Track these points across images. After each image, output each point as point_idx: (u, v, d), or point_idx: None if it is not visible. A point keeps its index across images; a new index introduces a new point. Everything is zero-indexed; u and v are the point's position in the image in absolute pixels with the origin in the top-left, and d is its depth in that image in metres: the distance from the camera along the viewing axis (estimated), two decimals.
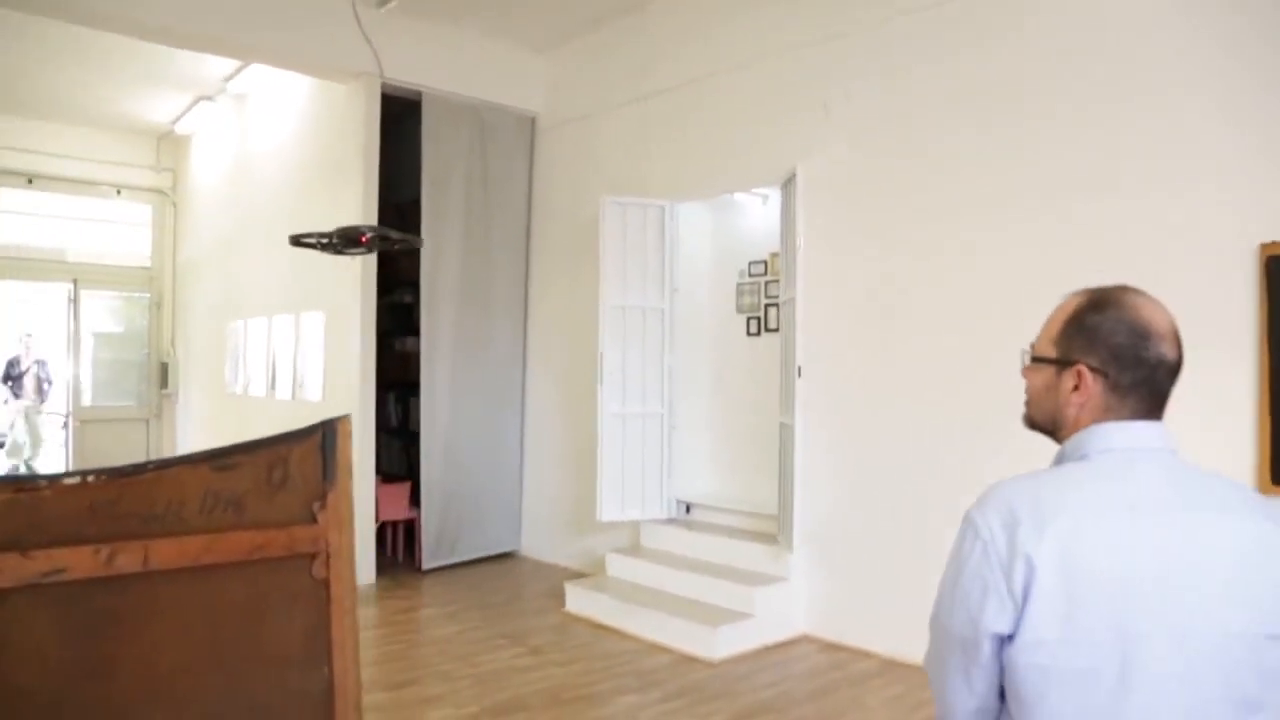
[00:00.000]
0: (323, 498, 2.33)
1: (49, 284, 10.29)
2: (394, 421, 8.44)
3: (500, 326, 7.51)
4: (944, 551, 1.36)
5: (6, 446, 10.69)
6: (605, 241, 6.25)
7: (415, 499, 7.24)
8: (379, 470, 8.50)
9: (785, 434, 5.40)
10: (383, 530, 7.56)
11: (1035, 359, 1.43)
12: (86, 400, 10.57)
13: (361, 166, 6.74)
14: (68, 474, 2.06)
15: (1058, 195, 4.33)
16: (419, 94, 6.98)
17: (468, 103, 7.22)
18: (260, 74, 8.19)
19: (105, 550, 2.04)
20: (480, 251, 7.35)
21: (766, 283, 6.30)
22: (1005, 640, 1.24)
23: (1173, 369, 1.33)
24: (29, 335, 10.89)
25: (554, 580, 6.46)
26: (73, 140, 9.87)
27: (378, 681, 4.66)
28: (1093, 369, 1.33)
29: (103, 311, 11.09)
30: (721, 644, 4.97)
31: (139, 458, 10.63)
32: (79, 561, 2.01)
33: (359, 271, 6.76)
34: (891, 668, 4.83)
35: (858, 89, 5.16)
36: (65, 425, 10.50)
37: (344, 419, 2.40)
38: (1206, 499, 1.27)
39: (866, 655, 5.01)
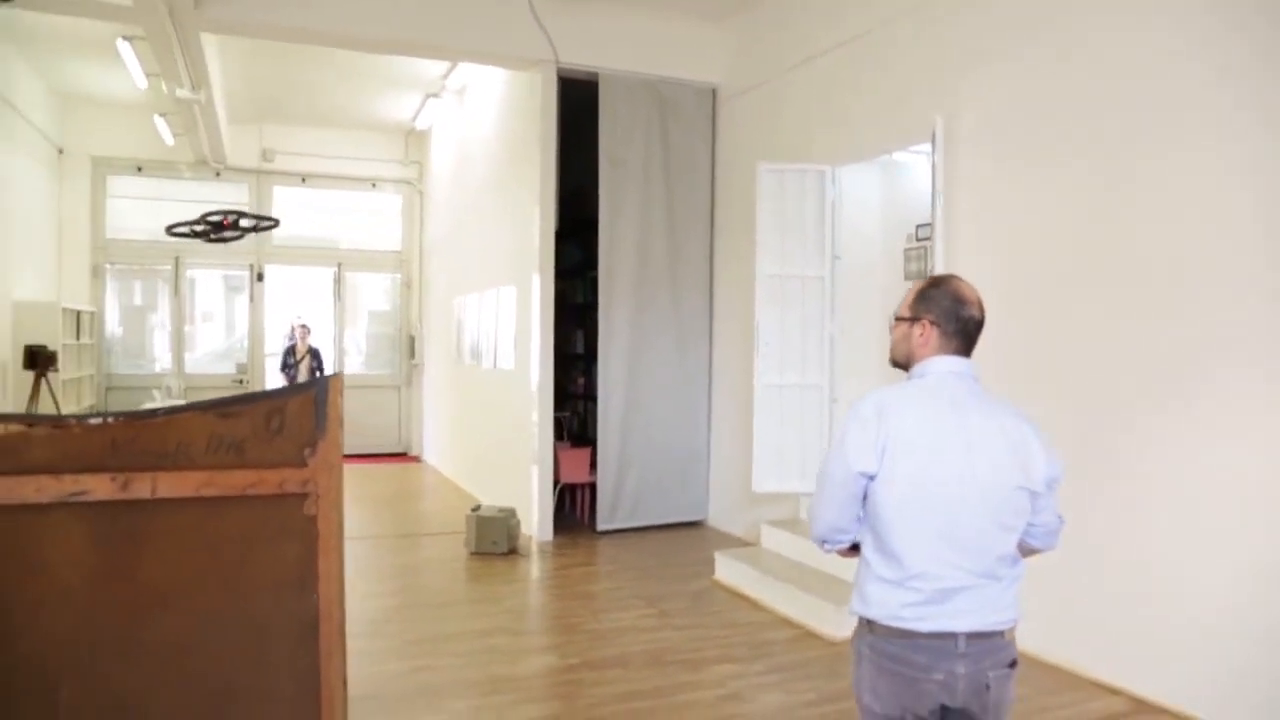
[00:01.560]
0: (313, 445, 2.59)
1: (319, 268, 11.85)
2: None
3: (685, 299, 7.61)
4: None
5: None
6: (761, 210, 6.15)
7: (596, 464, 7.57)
8: (581, 436, 9.02)
9: None
10: (573, 493, 8.01)
11: (899, 319, 2.19)
12: (353, 369, 12.04)
13: (539, 150, 7.12)
14: (92, 415, 2.47)
15: (1231, 150, 3.68)
16: (596, 75, 7.23)
17: (645, 80, 7.37)
18: (469, 70, 8.87)
19: (120, 478, 2.43)
20: (661, 226, 7.49)
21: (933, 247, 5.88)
22: (869, 479, 2.02)
23: (979, 324, 2.14)
24: (305, 326, 11.48)
25: (722, 550, 6.51)
26: (336, 142, 11.26)
27: (504, 627, 5.01)
28: (932, 322, 2.12)
29: (376, 291, 12.57)
30: (845, 622, 4.77)
31: (392, 421, 12.01)
32: (99, 486, 2.41)
33: (537, 247, 7.17)
34: (1034, 668, 4.39)
35: (1009, 36, 4.67)
36: None
37: (335, 377, 2.65)
38: (989, 406, 2.08)
39: None
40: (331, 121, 11.01)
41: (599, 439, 7.41)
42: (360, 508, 8.84)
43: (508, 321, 8.05)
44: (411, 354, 12.01)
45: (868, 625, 2.07)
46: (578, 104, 7.28)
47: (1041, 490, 2.04)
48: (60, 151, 10.08)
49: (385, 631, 4.93)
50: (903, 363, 2.19)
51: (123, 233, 10.74)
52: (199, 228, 5.72)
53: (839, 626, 4.77)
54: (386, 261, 12.11)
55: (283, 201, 11.44)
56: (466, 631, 4.90)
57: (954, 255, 4.92)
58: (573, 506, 8.06)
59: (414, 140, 11.69)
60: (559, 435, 8.57)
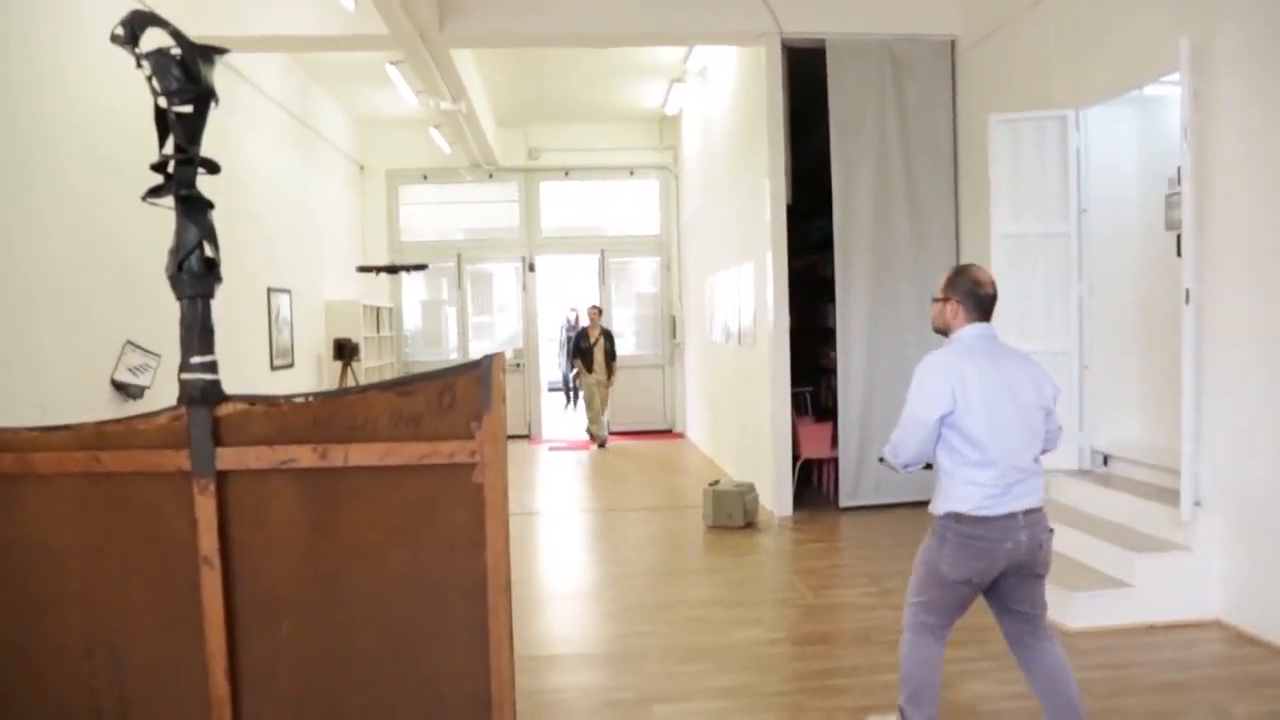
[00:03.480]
0: (479, 419, 2.84)
1: (584, 256, 12.59)
2: None
3: (929, 266, 7.19)
4: None
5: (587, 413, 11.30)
6: (994, 166, 5.72)
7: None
8: (831, 410, 8.87)
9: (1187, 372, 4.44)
10: (819, 469, 7.93)
11: (935, 300, 3.05)
12: (626, 350, 12.57)
13: (766, 124, 7.08)
14: (298, 395, 2.88)
15: None
16: (823, 42, 7.05)
17: (875, 40, 7.08)
18: (707, 52, 8.98)
19: (320, 449, 2.82)
20: (900, 193, 7.18)
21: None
22: (946, 416, 2.85)
23: (993, 298, 2.98)
24: (597, 308, 11.30)
25: None
26: (595, 135, 11.90)
27: (721, 598, 5.12)
28: (958, 300, 2.96)
29: (642, 275, 13.12)
30: (1079, 612, 4.36)
31: (656, 400, 12.51)
32: (303, 455, 2.82)
33: (769, 225, 7.15)
34: None
35: None
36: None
37: (498, 356, 2.87)
38: (1011, 354, 2.98)
39: None
40: (589, 116, 11.64)
41: (839, 413, 7.27)
42: (616, 483, 9.36)
43: (748, 298, 8.10)
44: (673, 333, 12.42)
45: (954, 517, 2.91)
46: (821, 75, 7.13)
47: (1051, 407, 2.98)
48: (362, 168, 11.59)
49: (610, 596, 5.24)
50: (942, 330, 3.05)
51: (415, 235, 12.11)
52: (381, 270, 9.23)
53: (1078, 615, 4.37)
54: (646, 245, 12.61)
55: (548, 195, 12.30)
56: (683, 600, 5.07)
57: (1209, 200, 4.28)
58: (819, 482, 7.99)
59: (667, 126, 12.05)
60: (802, 410, 8.51)
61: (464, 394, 2.86)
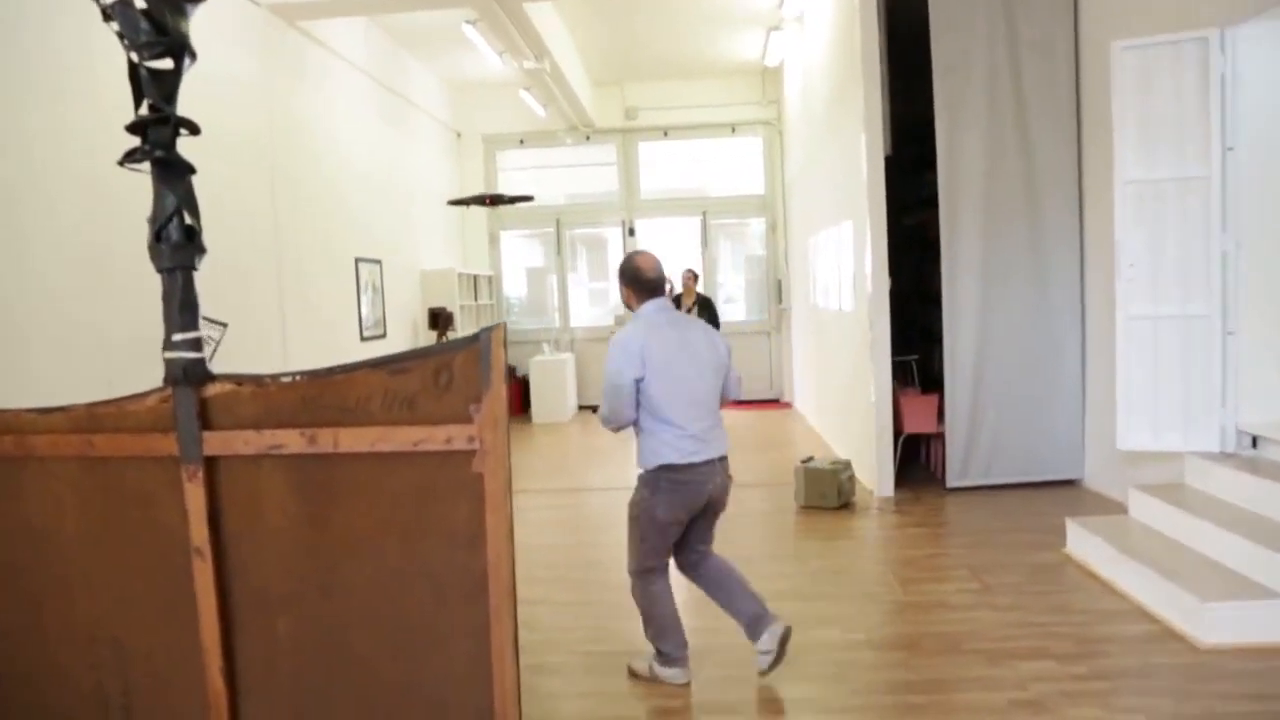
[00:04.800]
0: (479, 400, 2.53)
1: (686, 218, 12.12)
2: None
3: (1047, 220, 6.51)
4: None
5: None
6: (1118, 100, 4.99)
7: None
8: (935, 381, 8.21)
9: None
10: (927, 445, 7.32)
11: (620, 285, 3.65)
12: (734, 316, 12.05)
13: (862, 70, 6.47)
14: (284, 374, 2.64)
15: None
16: None
17: None
18: None
19: (308, 433, 2.58)
20: (1012, 138, 6.46)
21: None
22: (639, 381, 3.37)
23: (656, 279, 3.56)
24: (691, 272, 9.94)
25: (1079, 516, 5.50)
26: (694, 92, 11.38)
27: (799, 590, 4.69)
28: (627, 285, 3.59)
29: (748, 236, 12.58)
30: (1213, 625, 3.72)
31: (764, 367, 12.03)
32: (290, 440, 2.59)
33: (865, 181, 6.55)
34: None
35: None
36: None
37: (497, 328, 2.55)
38: (687, 321, 3.68)
39: None
40: (686, 71, 11.14)
41: (946, 385, 6.66)
42: None
43: (848, 259, 7.53)
44: (779, 298, 11.86)
45: (666, 469, 3.40)
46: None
47: (726, 361, 3.55)
48: (459, 135, 11.48)
49: (679, 586, 4.86)
50: (632, 309, 3.56)
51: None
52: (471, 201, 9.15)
53: (1213, 629, 3.74)
54: (750, 206, 12.06)
55: (647, 156, 11.88)
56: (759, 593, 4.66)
57: None
58: (927, 459, 7.39)
59: (769, 78, 11.42)
60: (908, 380, 7.88)
61: (462, 372, 2.56)
